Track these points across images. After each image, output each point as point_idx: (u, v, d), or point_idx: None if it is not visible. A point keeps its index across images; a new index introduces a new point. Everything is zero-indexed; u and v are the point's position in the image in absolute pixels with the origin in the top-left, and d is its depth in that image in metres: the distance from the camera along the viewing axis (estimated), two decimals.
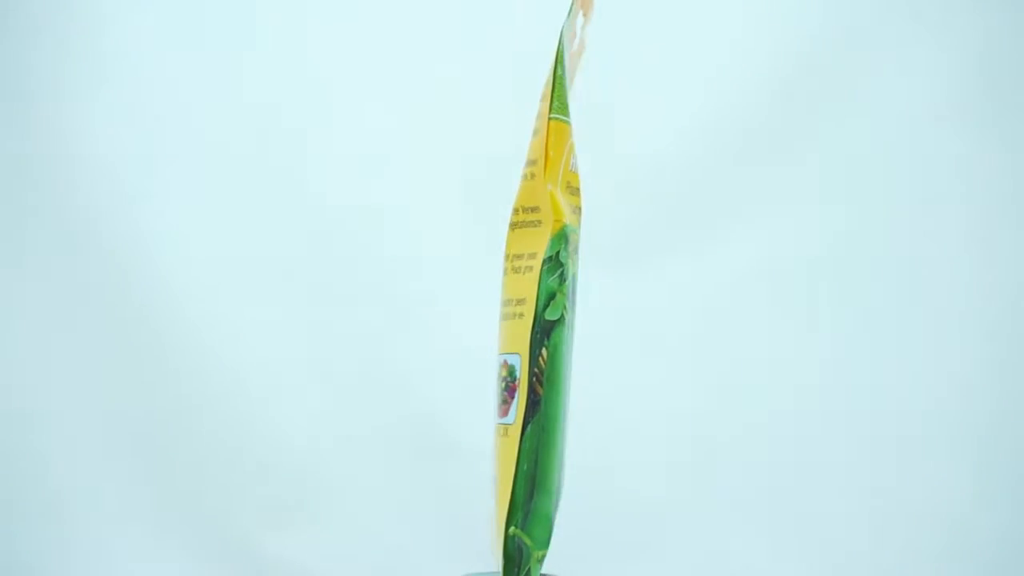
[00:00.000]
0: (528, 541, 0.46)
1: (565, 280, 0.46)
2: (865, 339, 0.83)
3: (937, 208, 0.82)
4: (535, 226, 0.47)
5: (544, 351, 0.46)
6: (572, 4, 0.48)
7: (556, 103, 0.47)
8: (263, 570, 0.78)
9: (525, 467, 0.45)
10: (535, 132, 0.48)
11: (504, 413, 0.47)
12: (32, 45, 0.81)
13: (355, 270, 0.82)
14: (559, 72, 0.47)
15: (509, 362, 0.47)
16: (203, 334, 0.81)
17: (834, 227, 0.83)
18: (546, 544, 0.46)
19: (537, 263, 0.47)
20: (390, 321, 0.81)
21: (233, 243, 0.82)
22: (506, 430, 0.46)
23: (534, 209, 0.47)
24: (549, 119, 0.47)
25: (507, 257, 0.48)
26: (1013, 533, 0.80)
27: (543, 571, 0.47)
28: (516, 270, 0.48)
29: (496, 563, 0.47)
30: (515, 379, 0.46)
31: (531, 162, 0.48)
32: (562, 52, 0.47)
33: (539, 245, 0.47)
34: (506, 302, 0.48)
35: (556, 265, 0.46)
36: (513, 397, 0.46)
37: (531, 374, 0.46)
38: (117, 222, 0.81)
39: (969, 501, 0.80)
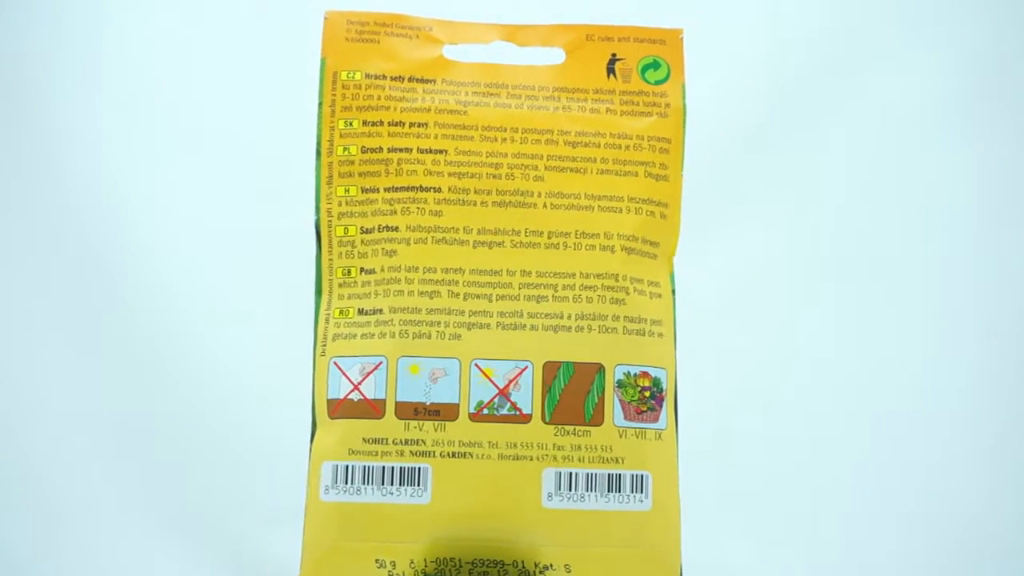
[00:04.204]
0: None
1: None
2: (865, 338, 0.83)
3: (938, 207, 0.82)
4: (650, 257, 0.54)
5: None
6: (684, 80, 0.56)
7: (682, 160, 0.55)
8: (263, 570, 0.77)
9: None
10: (660, 176, 0.54)
11: (654, 419, 0.52)
12: (28, 44, 0.80)
13: None
14: (683, 134, 0.55)
15: (652, 374, 0.52)
16: (203, 333, 0.80)
17: (832, 227, 0.83)
18: None
19: (664, 291, 0.54)
20: None
21: (233, 243, 0.81)
22: (659, 434, 0.52)
23: (654, 243, 0.54)
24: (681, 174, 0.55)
25: (621, 277, 0.52)
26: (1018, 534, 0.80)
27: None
28: (641, 292, 0.53)
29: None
30: (662, 390, 0.52)
31: (661, 204, 0.54)
32: (685, 116, 0.55)
33: (657, 276, 0.54)
34: (635, 318, 0.52)
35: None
36: (661, 405, 0.52)
37: (676, 386, 0.53)
38: (115, 222, 0.80)
39: (972, 501, 0.81)
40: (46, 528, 0.77)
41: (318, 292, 0.53)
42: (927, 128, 0.82)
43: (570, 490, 0.51)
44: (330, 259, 0.53)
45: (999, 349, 0.81)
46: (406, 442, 0.51)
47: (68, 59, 0.81)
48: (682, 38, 0.56)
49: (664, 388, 0.53)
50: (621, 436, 0.51)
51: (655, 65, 0.56)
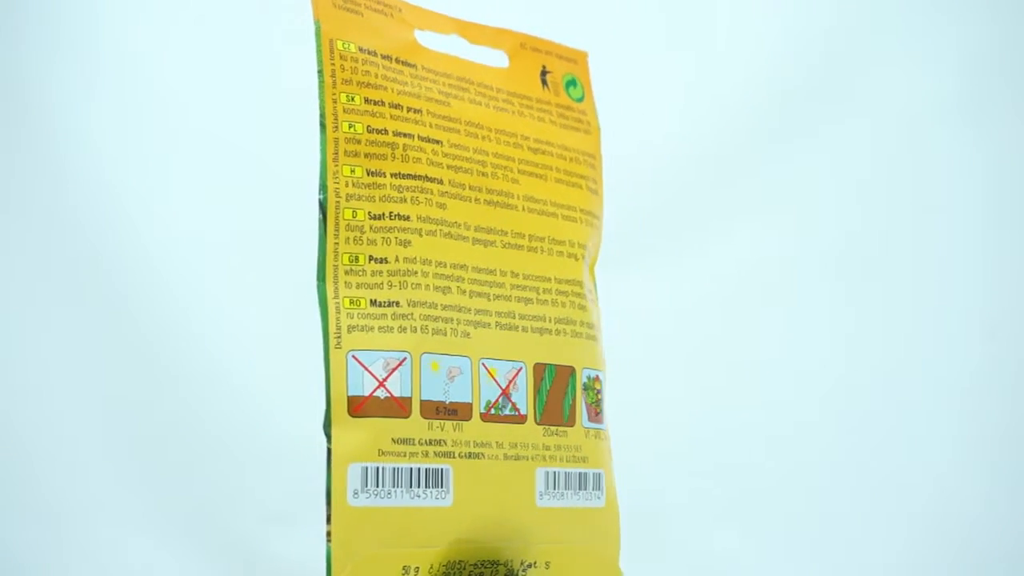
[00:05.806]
0: None
1: None
2: (864, 339, 0.85)
3: (936, 207, 0.83)
4: (589, 267, 0.57)
5: None
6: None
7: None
8: (263, 570, 0.76)
9: None
10: (595, 191, 0.57)
11: (601, 420, 0.55)
12: (26, 45, 0.80)
13: None
14: (601, 153, 0.58)
15: (600, 377, 0.55)
16: (203, 333, 0.80)
17: (832, 227, 0.85)
18: None
19: (595, 299, 0.57)
20: None
21: (232, 245, 0.81)
22: (605, 434, 0.55)
23: (590, 254, 0.57)
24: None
25: (582, 284, 0.55)
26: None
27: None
28: (590, 300, 0.56)
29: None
30: (602, 391, 0.55)
31: (597, 216, 0.56)
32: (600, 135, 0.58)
33: (591, 284, 0.57)
34: (590, 324, 0.55)
35: None
36: (603, 406, 0.55)
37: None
38: (114, 224, 0.80)
39: (973, 501, 0.83)
40: (47, 528, 0.77)
41: (321, 279, 0.49)
42: (927, 129, 0.84)
43: (555, 488, 0.52)
44: (336, 243, 0.49)
45: (998, 351, 0.84)
46: (430, 442, 0.49)
47: (65, 55, 0.82)
48: (587, 61, 0.60)
49: (603, 390, 0.56)
50: (587, 436, 0.54)
51: (574, 83, 0.59)
